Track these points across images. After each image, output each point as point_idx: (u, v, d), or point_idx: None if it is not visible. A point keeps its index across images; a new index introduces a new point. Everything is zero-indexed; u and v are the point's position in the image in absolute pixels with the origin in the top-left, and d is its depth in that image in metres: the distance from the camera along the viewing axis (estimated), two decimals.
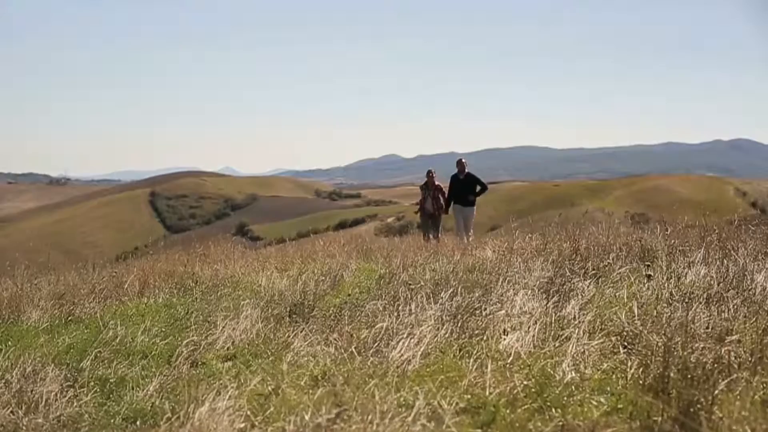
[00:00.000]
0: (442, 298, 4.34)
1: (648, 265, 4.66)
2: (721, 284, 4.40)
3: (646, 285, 4.47)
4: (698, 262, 5.19)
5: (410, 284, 5.11)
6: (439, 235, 13.43)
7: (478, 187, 13.21)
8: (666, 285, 4.53)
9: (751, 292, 4.12)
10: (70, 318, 5.11)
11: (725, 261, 5.26)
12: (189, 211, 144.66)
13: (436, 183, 13.81)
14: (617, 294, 4.44)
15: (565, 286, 4.57)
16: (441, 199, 13.58)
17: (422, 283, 5.42)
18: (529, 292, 4.52)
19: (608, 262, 5.62)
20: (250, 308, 4.96)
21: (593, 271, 5.15)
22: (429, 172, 14.05)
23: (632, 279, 5.15)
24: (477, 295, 4.28)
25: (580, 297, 4.33)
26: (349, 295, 4.85)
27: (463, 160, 13.39)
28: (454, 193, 13.32)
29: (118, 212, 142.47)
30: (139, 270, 7.23)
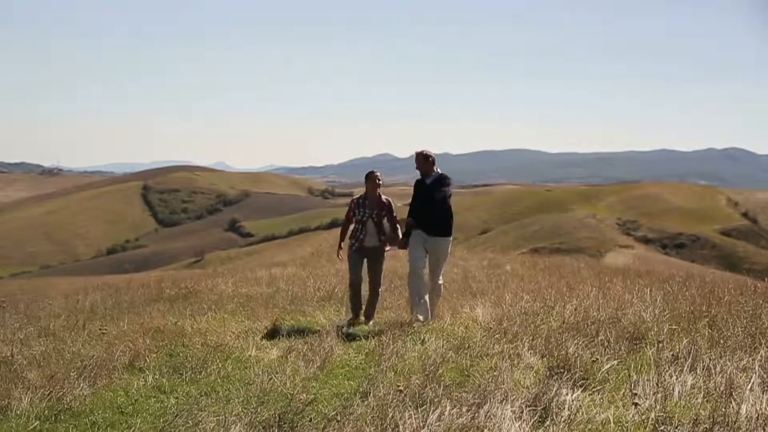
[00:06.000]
0: (430, 417, 4.37)
1: (635, 394, 4.71)
2: (707, 407, 4.48)
3: (634, 409, 4.52)
4: (686, 369, 5.24)
5: (399, 386, 5.15)
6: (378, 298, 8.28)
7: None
8: (654, 404, 4.59)
9: (735, 425, 4.17)
10: (59, 409, 5.11)
11: (713, 364, 5.33)
12: (181, 205, 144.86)
13: (384, 198, 8.15)
14: (603, 416, 4.48)
15: (552, 403, 4.62)
16: (391, 225, 8.06)
17: (411, 376, 5.51)
18: (516, 408, 4.57)
19: (596, 357, 5.67)
20: (240, 407, 5.01)
21: (581, 377, 5.19)
22: (372, 174, 8.07)
23: (619, 378, 5.24)
24: (464, 419, 4.31)
25: (566, 420, 4.38)
26: (334, 409, 4.87)
27: (425, 152, 7.74)
28: (418, 210, 7.72)
29: (110, 204, 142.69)
30: (129, 335, 7.26)
